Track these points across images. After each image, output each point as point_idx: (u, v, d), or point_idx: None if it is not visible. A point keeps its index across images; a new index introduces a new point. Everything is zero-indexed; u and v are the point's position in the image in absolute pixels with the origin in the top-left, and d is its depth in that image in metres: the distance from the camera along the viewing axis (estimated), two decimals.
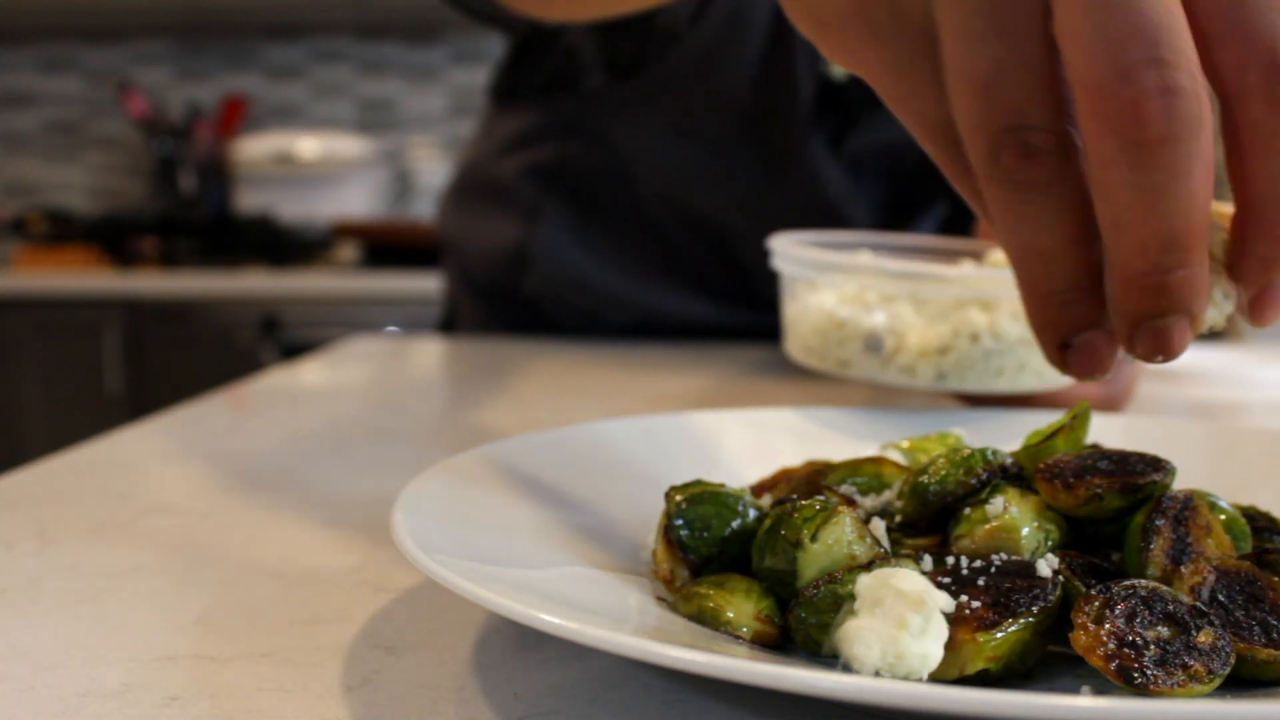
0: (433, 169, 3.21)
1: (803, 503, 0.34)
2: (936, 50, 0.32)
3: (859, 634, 0.29)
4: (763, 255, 1.06)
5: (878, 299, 0.60)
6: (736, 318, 1.11)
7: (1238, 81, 0.29)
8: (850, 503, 0.36)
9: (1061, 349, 0.33)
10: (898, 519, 0.37)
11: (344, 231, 2.89)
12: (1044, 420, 0.50)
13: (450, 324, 1.24)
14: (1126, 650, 0.28)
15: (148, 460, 0.61)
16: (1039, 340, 0.33)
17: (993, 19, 0.30)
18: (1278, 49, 0.29)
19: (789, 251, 0.65)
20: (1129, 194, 0.28)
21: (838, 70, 1.00)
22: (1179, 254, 0.29)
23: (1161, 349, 0.31)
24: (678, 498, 0.37)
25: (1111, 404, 0.63)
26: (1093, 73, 0.28)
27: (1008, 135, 0.30)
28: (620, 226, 1.09)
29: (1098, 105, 0.28)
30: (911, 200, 1.09)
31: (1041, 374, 0.57)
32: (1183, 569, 0.32)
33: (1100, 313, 0.32)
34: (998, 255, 0.59)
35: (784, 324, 0.68)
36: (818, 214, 1.01)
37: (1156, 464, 0.35)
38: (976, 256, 0.69)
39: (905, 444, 0.44)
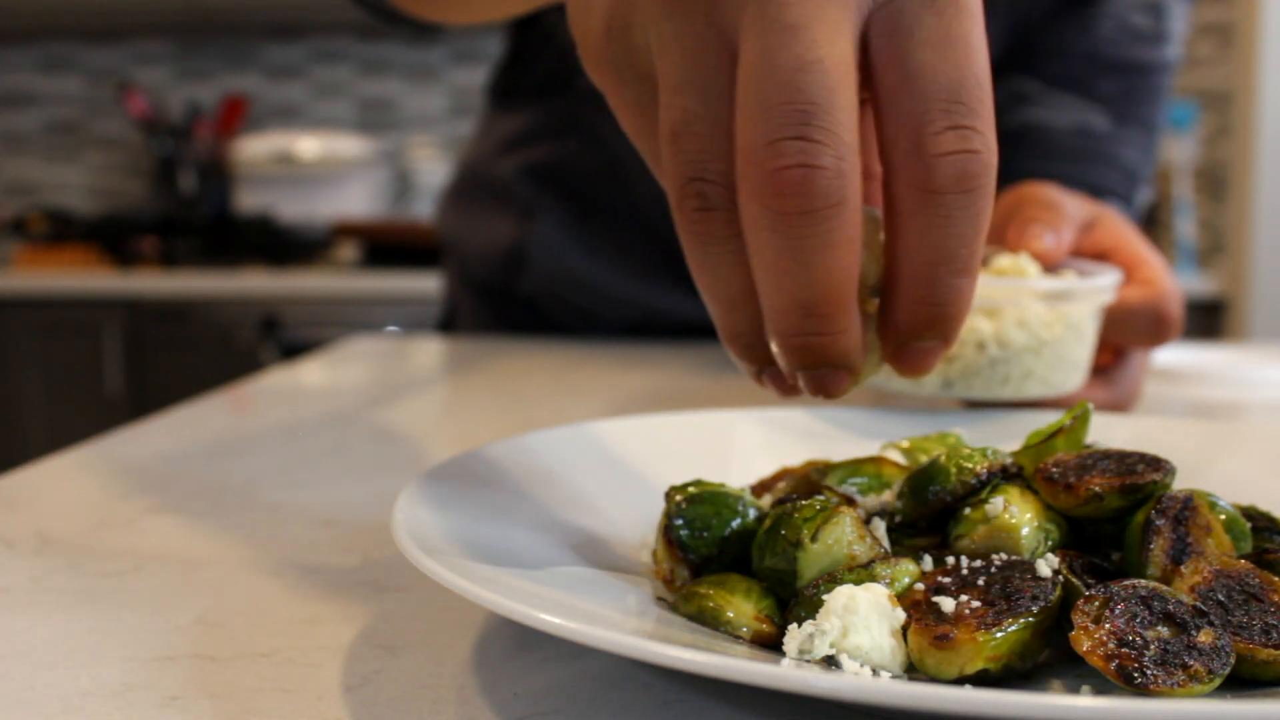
0: (433, 169, 3.21)
1: (803, 503, 0.34)
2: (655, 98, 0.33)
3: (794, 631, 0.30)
4: None
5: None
6: None
7: (887, 157, 0.31)
8: (850, 503, 0.36)
9: (757, 375, 0.35)
10: (898, 519, 0.37)
11: (344, 231, 2.89)
12: (1044, 420, 0.50)
13: (449, 323, 1.24)
14: (1126, 650, 0.28)
15: (148, 460, 0.61)
16: (739, 366, 0.36)
17: (687, 72, 0.31)
18: (923, 131, 0.30)
19: None
20: (770, 258, 0.30)
21: None
22: (818, 320, 0.31)
23: (821, 392, 0.33)
24: (678, 498, 0.37)
25: (1118, 407, 0.63)
26: (746, 140, 0.30)
27: (689, 185, 0.31)
28: (617, 226, 1.09)
29: (746, 170, 0.30)
30: None
31: (1048, 381, 0.57)
32: (1183, 569, 0.32)
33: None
34: (1001, 262, 0.59)
35: None
36: None
37: (1156, 464, 0.35)
38: (981, 264, 0.69)
39: (905, 444, 0.44)
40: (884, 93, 0.31)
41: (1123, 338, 0.63)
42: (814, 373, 0.32)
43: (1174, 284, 0.63)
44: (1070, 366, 0.57)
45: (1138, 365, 0.65)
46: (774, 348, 0.33)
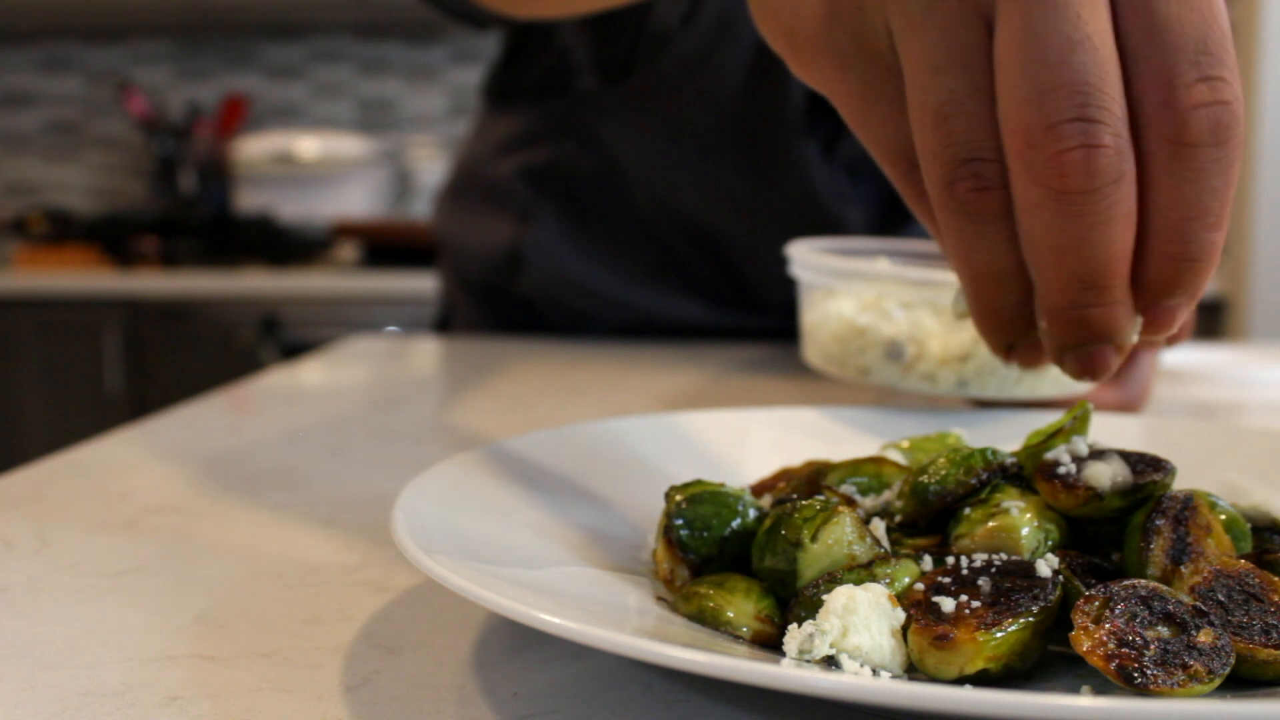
0: (433, 169, 3.21)
1: (803, 503, 0.34)
2: (898, 79, 0.33)
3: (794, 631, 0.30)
4: (754, 257, 1.06)
5: (897, 306, 0.60)
6: (729, 319, 1.11)
7: (1138, 112, 0.31)
8: (850, 503, 0.36)
9: (1007, 349, 0.35)
10: (898, 519, 0.37)
11: (344, 231, 2.89)
12: (1044, 420, 0.50)
13: (445, 323, 1.24)
14: (1126, 650, 0.28)
15: (148, 460, 0.61)
16: (986, 342, 0.36)
17: (949, 51, 0.31)
18: (1174, 84, 0.30)
19: (807, 259, 0.65)
20: (1050, 237, 0.31)
21: None
22: (1096, 292, 0.31)
23: (1088, 372, 0.33)
24: (678, 498, 0.37)
25: (1128, 407, 0.64)
26: (1022, 123, 0.30)
27: (963, 168, 0.32)
28: (613, 228, 1.09)
29: (1024, 154, 0.30)
30: None
31: (1060, 381, 0.57)
32: (1183, 569, 0.32)
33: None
34: None
35: (802, 331, 0.68)
36: (809, 217, 1.01)
37: (1156, 464, 0.35)
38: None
39: (905, 444, 0.44)
40: (1131, 48, 0.30)
41: None
42: (1083, 350, 0.33)
43: None
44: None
45: (1147, 366, 0.66)
46: (1045, 324, 0.33)
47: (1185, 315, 0.33)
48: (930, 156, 0.32)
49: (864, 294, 0.62)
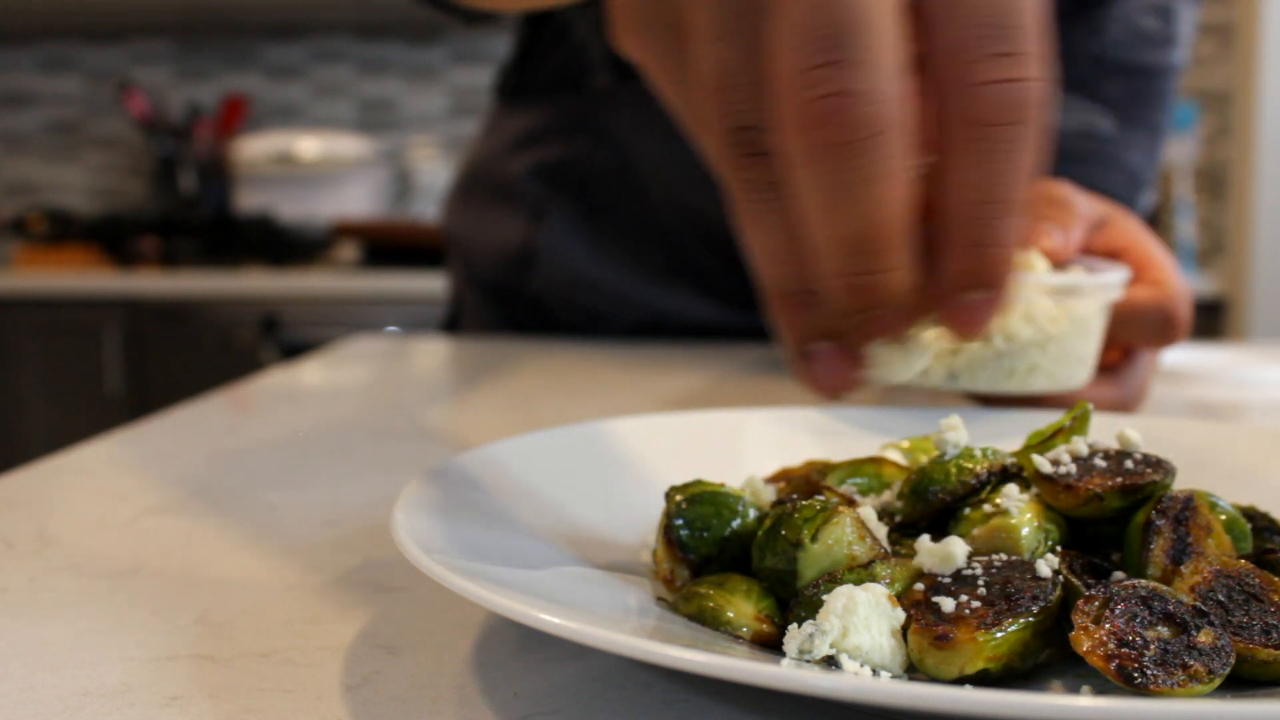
0: (433, 169, 3.21)
1: (803, 503, 0.34)
2: (688, 48, 0.32)
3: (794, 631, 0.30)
4: None
5: None
6: (741, 318, 1.11)
7: (937, 90, 0.29)
8: (850, 503, 0.36)
9: (801, 359, 0.33)
10: (898, 519, 0.37)
11: (344, 231, 2.89)
12: (1044, 420, 0.50)
13: (454, 322, 1.24)
14: (1126, 650, 0.28)
15: (148, 460, 0.61)
16: (785, 345, 0.33)
17: (722, 20, 0.30)
18: (965, 58, 0.28)
19: None
20: (813, 195, 0.29)
21: None
22: (868, 257, 0.29)
23: (872, 334, 0.31)
24: (678, 498, 0.37)
25: (1124, 406, 0.64)
26: (780, 71, 0.28)
27: (734, 134, 0.30)
28: (627, 226, 1.09)
29: (781, 105, 0.28)
30: None
31: (1053, 376, 0.57)
32: (1183, 569, 0.32)
33: (839, 322, 0.32)
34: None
35: None
36: None
37: (1156, 464, 0.35)
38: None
39: (905, 444, 0.44)
40: (929, 22, 0.29)
41: (1131, 337, 0.63)
42: (866, 317, 0.30)
43: (1183, 285, 0.63)
44: (1076, 362, 0.57)
45: (1145, 365, 0.65)
46: (825, 296, 0.31)
47: (988, 314, 0.31)
48: (708, 126, 0.31)
49: None
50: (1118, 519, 0.35)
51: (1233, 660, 0.29)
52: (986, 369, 0.57)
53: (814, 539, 0.33)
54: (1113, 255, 0.65)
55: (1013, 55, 0.28)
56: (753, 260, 0.32)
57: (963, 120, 0.29)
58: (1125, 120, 0.92)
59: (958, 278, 0.30)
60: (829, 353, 0.32)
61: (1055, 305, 0.56)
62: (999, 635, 0.29)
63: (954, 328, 0.31)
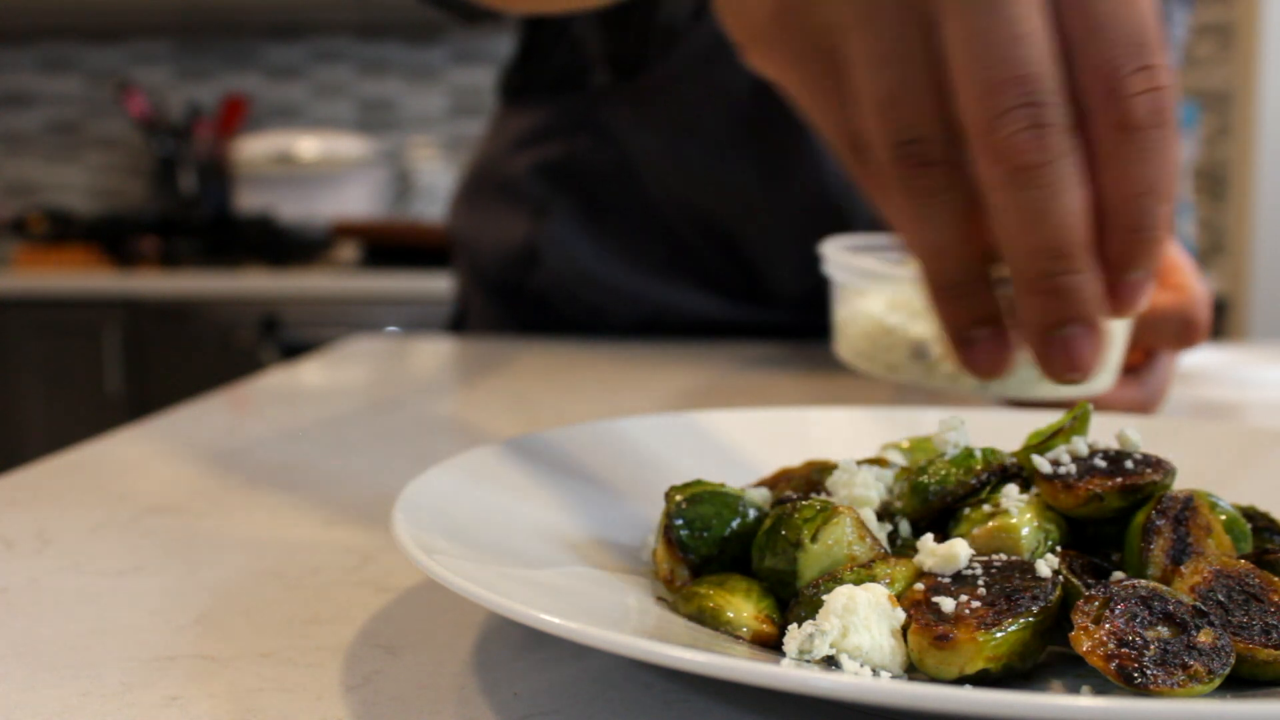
0: (433, 169, 3.21)
1: (803, 503, 0.34)
2: (843, 72, 0.36)
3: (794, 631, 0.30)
4: (767, 250, 1.06)
5: (924, 306, 0.61)
6: (741, 313, 1.11)
7: (1084, 102, 0.34)
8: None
9: (963, 345, 0.37)
10: (898, 519, 0.37)
11: (344, 231, 2.89)
12: (1044, 420, 0.50)
13: (460, 322, 1.24)
14: (1126, 650, 0.28)
15: (148, 460, 0.61)
16: (946, 336, 0.38)
17: (891, 46, 0.35)
18: (1117, 74, 0.33)
19: (839, 259, 0.66)
20: (1014, 213, 0.34)
21: None
22: (1064, 260, 0.34)
23: (1068, 363, 0.35)
24: (678, 498, 0.37)
25: (1145, 407, 0.66)
26: (977, 116, 0.33)
27: (905, 147, 0.35)
28: (628, 223, 1.10)
29: (982, 142, 0.33)
30: None
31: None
32: (1183, 569, 0.32)
33: (995, 309, 0.37)
34: None
35: (834, 327, 0.69)
36: (820, 211, 1.01)
37: (1157, 464, 0.35)
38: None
39: (905, 444, 0.44)
40: (1074, 44, 0.34)
41: (1152, 340, 0.65)
42: (1063, 333, 0.35)
43: (1203, 289, 0.65)
44: (1103, 367, 0.58)
45: (1166, 367, 0.67)
46: (1022, 309, 0.35)
47: (1147, 291, 0.35)
48: (876, 140, 0.35)
49: (892, 294, 0.63)
50: (1118, 519, 0.35)
51: (1233, 660, 0.29)
52: (1018, 375, 0.57)
53: (814, 539, 0.33)
54: None
55: (1152, 68, 0.33)
56: (916, 258, 0.37)
57: (1119, 126, 0.33)
58: None
59: (1123, 259, 0.35)
60: (987, 337, 0.37)
61: None
62: (999, 635, 0.29)
63: (1118, 306, 0.36)
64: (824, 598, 0.31)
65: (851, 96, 0.36)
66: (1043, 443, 0.38)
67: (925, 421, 0.52)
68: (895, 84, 0.35)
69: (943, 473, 0.36)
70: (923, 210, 0.35)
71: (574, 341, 1.09)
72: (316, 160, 3.00)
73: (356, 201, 3.08)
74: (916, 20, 0.34)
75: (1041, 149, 0.33)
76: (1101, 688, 0.29)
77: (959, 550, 0.32)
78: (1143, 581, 0.30)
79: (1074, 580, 0.32)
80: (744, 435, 0.50)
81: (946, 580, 0.32)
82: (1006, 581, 0.31)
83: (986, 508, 0.35)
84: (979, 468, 0.36)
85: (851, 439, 0.50)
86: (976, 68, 0.33)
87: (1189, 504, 0.34)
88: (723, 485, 0.38)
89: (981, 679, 0.29)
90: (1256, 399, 0.85)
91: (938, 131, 0.35)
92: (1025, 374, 0.57)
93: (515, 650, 0.34)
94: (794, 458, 0.47)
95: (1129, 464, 0.35)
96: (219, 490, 0.54)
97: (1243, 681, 0.30)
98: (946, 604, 0.30)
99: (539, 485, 0.42)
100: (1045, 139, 0.33)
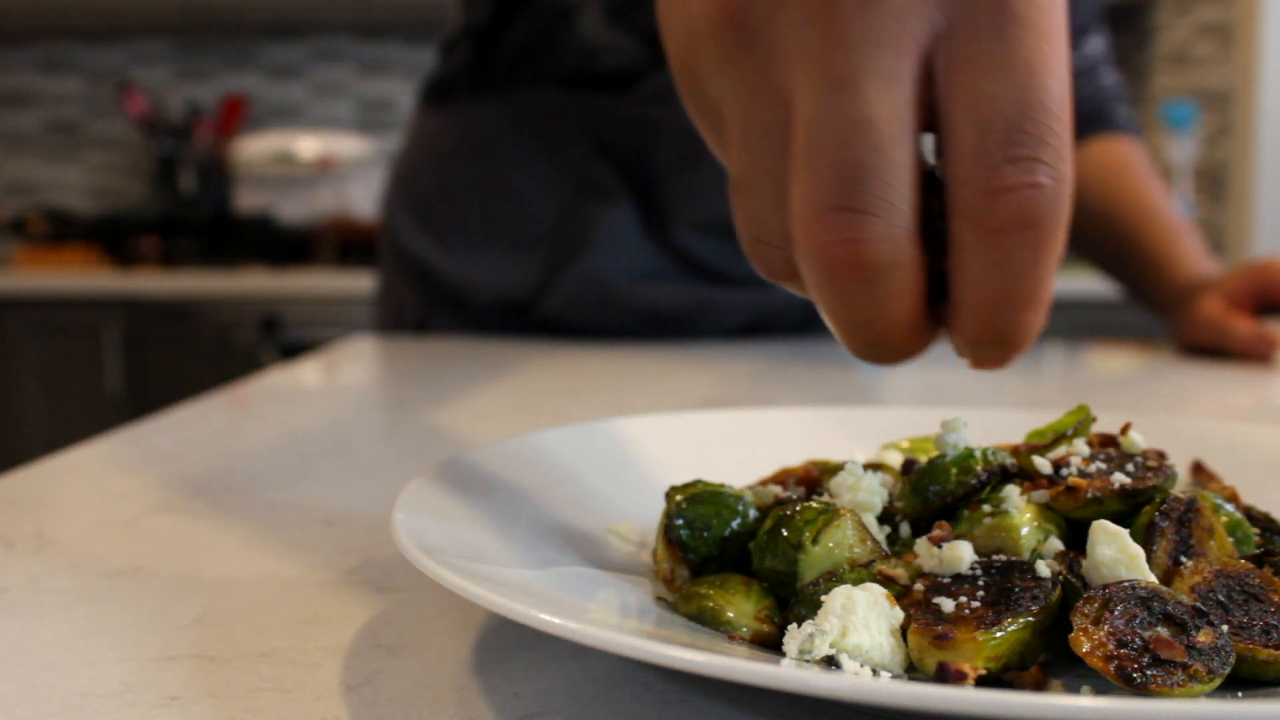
0: None
1: (805, 504, 0.34)
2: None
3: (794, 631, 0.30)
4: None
5: None
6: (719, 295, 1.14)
7: (950, 192, 0.29)
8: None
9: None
10: (898, 519, 0.37)
11: (344, 231, 2.89)
12: (1044, 420, 0.50)
13: (422, 325, 1.22)
14: (1126, 651, 0.28)
15: (148, 460, 0.61)
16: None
17: (743, 129, 0.31)
18: (981, 164, 0.29)
19: None
20: (831, 312, 0.30)
21: None
22: (884, 350, 0.31)
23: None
24: (678, 498, 0.37)
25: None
26: (797, 205, 0.29)
27: (752, 246, 0.32)
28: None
29: (798, 237, 0.30)
30: None
31: None
32: (1183, 569, 0.32)
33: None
34: None
35: None
36: None
37: (1157, 467, 0.35)
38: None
39: (905, 444, 0.44)
40: (945, 126, 0.29)
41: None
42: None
43: None
44: None
45: None
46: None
47: (1012, 360, 0.32)
48: (736, 222, 0.32)
49: None
50: (1117, 521, 0.35)
51: (1233, 660, 0.29)
52: None
53: (815, 541, 0.33)
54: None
55: (1031, 160, 0.28)
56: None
57: (976, 225, 0.29)
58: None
59: (978, 346, 0.31)
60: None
61: None
62: (999, 635, 0.29)
63: (979, 367, 0.32)
64: (823, 597, 0.31)
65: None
66: (1043, 444, 0.39)
67: (925, 421, 0.52)
68: (744, 171, 0.31)
69: (943, 473, 0.36)
70: (783, 289, 0.33)
71: (575, 342, 1.09)
72: (316, 160, 3.00)
73: (356, 201, 3.08)
74: (774, 99, 0.30)
75: (857, 265, 0.29)
76: (1101, 688, 0.29)
77: (963, 553, 0.32)
78: (1142, 582, 0.30)
79: (1074, 580, 0.32)
80: (744, 435, 0.50)
81: (946, 580, 0.32)
82: (1006, 581, 0.31)
83: (986, 507, 0.35)
84: (979, 468, 0.36)
85: (850, 439, 0.50)
86: (805, 152, 0.29)
87: (1192, 506, 0.34)
88: (723, 485, 0.38)
89: (981, 679, 0.29)
90: (1256, 399, 0.85)
91: (782, 225, 0.31)
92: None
93: (515, 650, 0.34)
94: (794, 458, 0.47)
95: (1130, 466, 0.35)
96: (219, 490, 0.54)
97: (1243, 681, 0.30)
98: (946, 604, 0.30)
99: (539, 485, 0.42)
100: (862, 254, 0.29)
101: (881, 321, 0.30)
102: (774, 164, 0.30)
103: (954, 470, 0.36)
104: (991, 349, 0.31)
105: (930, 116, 0.30)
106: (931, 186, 0.30)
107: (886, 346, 0.31)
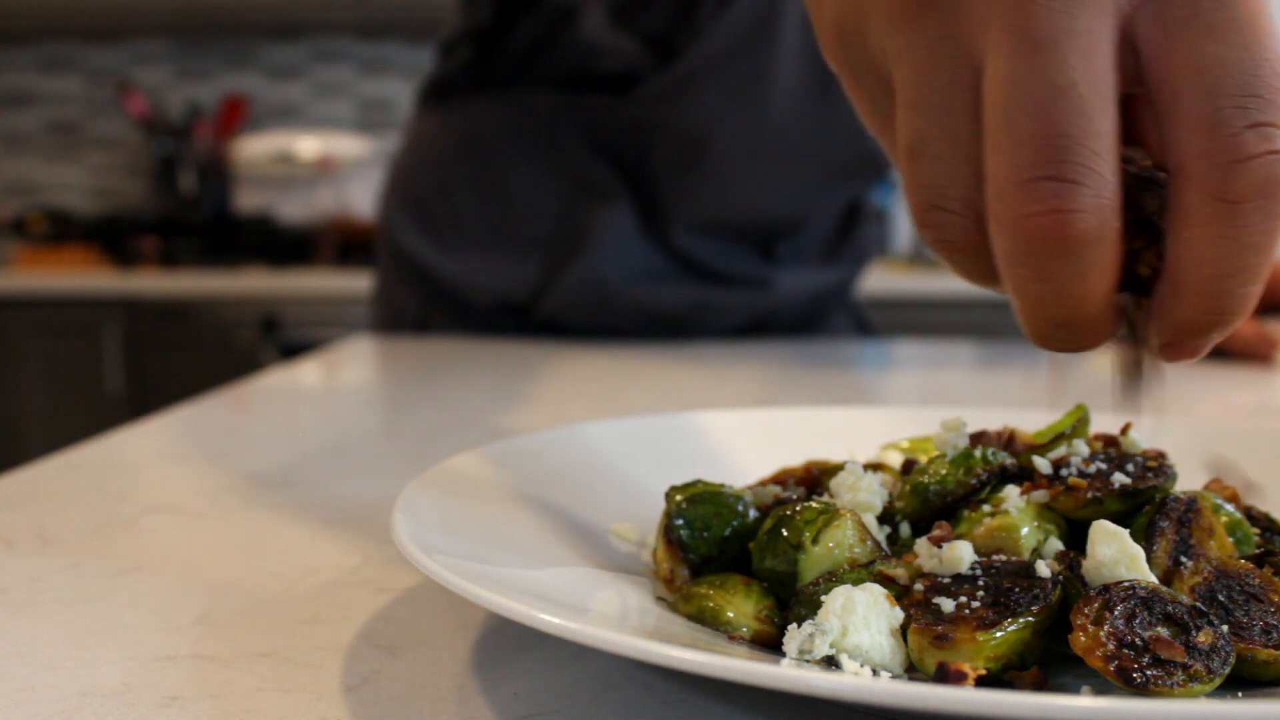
0: None
1: (805, 505, 0.34)
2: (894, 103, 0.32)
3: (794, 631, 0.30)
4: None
5: None
6: (720, 296, 1.14)
7: (1174, 160, 0.28)
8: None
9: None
10: (898, 519, 0.37)
11: (344, 231, 2.89)
12: (1044, 420, 0.50)
13: (422, 324, 1.22)
14: (1126, 651, 0.28)
15: (148, 460, 0.61)
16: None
17: (918, 90, 0.30)
18: (1218, 132, 0.27)
19: None
20: (1023, 289, 0.29)
21: None
22: (1071, 332, 0.30)
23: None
24: (678, 498, 0.37)
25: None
26: (996, 173, 0.28)
27: (927, 214, 0.31)
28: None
29: (995, 206, 0.28)
30: None
31: None
32: (1183, 569, 0.32)
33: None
34: None
35: None
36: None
37: (1157, 468, 0.35)
38: None
39: (905, 444, 0.44)
40: (1165, 92, 0.28)
41: None
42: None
43: None
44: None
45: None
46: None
47: (1210, 346, 0.31)
48: (905, 188, 0.31)
49: None
50: (1117, 521, 0.35)
51: (1233, 660, 0.29)
52: None
53: (815, 541, 0.33)
54: None
55: (1269, 126, 0.27)
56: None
57: (1214, 197, 0.27)
58: None
59: (1191, 329, 0.30)
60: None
61: None
62: (999, 635, 0.29)
63: (1169, 358, 0.31)
64: (823, 597, 0.31)
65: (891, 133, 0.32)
66: (1043, 444, 0.39)
67: (925, 421, 0.52)
68: (919, 134, 0.30)
69: (943, 473, 0.36)
70: (951, 262, 0.31)
71: (575, 342, 1.09)
72: (316, 160, 3.00)
73: (356, 201, 3.08)
74: (958, 58, 0.29)
75: (1062, 238, 0.27)
76: (1102, 688, 0.29)
77: (963, 553, 0.32)
78: (1142, 582, 0.30)
79: (1074, 581, 0.32)
80: (744, 435, 0.50)
81: (946, 580, 0.32)
82: (1006, 581, 0.31)
83: (986, 508, 0.35)
84: (979, 468, 0.36)
85: (850, 439, 0.50)
86: (1005, 117, 0.28)
87: (1193, 506, 0.34)
88: (723, 485, 0.38)
89: (982, 679, 0.29)
90: (1255, 399, 0.85)
91: (964, 193, 0.30)
92: None
93: (515, 650, 0.34)
94: (794, 458, 0.47)
95: (1129, 467, 0.35)
96: (219, 490, 0.54)
97: (1243, 681, 0.30)
98: (946, 604, 0.30)
99: (539, 485, 0.42)
100: (1069, 228, 0.27)
101: (1077, 299, 0.29)
102: (955, 123, 0.29)
103: (954, 470, 0.36)
104: (1201, 334, 0.30)
105: (1131, 82, 0.28)
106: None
107: (1077, 327, 0.29)
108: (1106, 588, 0.30)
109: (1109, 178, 0.28)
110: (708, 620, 0.33)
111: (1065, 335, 0.30)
